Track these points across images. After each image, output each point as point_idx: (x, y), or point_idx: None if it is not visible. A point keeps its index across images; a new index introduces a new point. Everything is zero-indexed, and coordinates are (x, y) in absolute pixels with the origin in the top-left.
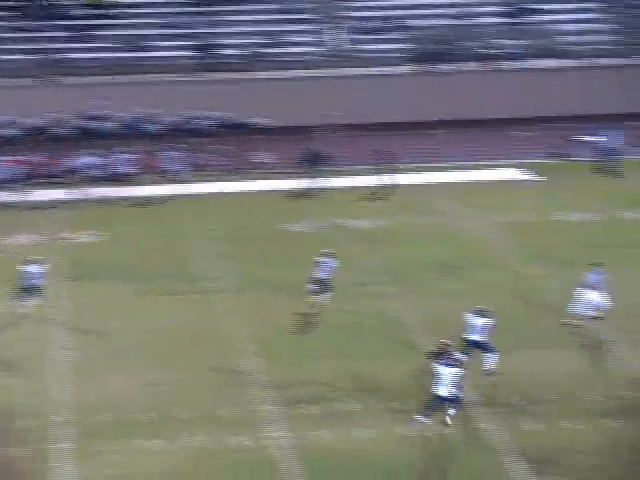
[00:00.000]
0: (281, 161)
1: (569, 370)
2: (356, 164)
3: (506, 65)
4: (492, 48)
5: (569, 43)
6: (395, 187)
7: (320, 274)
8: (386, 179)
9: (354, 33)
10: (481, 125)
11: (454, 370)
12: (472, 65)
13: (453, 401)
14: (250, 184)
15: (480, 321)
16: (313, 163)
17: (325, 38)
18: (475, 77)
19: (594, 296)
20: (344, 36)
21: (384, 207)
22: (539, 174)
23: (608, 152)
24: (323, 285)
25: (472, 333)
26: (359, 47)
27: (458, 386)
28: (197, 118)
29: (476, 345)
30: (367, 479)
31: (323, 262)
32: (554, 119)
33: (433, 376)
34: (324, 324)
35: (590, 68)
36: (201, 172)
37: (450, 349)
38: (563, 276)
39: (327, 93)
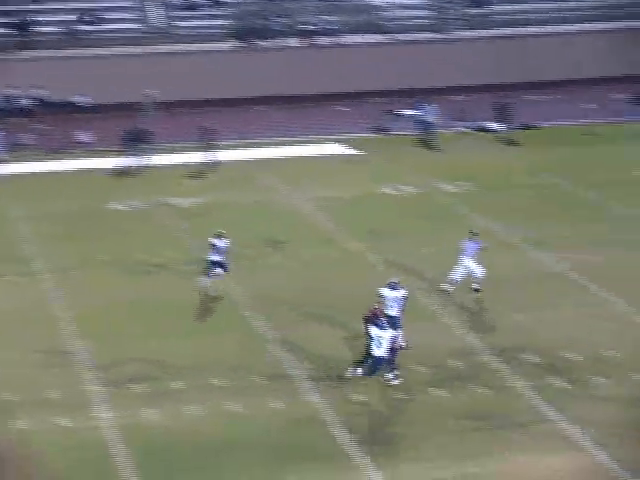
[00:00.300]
0: (103, 139)
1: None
2: (179, 141)
3: (325, 40)
4: (311, 24)
5: (386, 18)
6: (218, 164)
7: (213, 256)
8: (209, 156)
9: (174, 9)
10: (303, 101)
11: (389, 333)
12: (292, 41)
13: (388, 362)
14: (72, 163)
15: (398, 293)
16: (135, 141)
17: (145, 14)
18: (295, 53)
19: (471, 264)
20: (164, 12)
21: (208, 184)
22: (361, 149)
23: (426, 126)
24: (218, 266)
25: (390, 307)
26: (179, 24)
27: (392, 348)
28: (16, 97)
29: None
30: (197, 458)
31: (215, 243)
32: (374, 94)
33: (370, 339)
34: (152, 302)
35: (407, 43)
36: (22, 152)
37: (379, 313)
38: (385, 249)
39: (148, 70)
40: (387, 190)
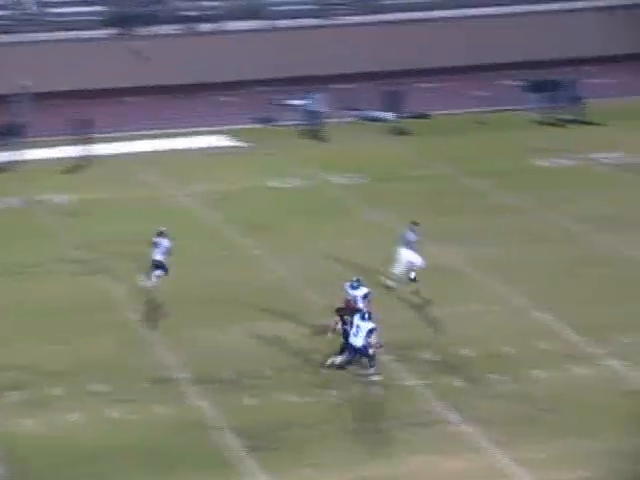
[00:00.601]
0: None
1: (285, 342)
2: (53, 135)
3: (206, 27)
4: (191, 10)
5: (269, 4)
6: (96, 158)
7: (156, 255)
8: (86, 150)
9: None
10: (185, 90)
11: (370, 324)
12: (171, 28)
13: (364, 353)
14: None
15: (360, 292)
16: (7, 135)
17: (14, 1)
18: (175, 40)
19: (410, 255)
20: None
21: (85, 179)
22: (246, 140)
23: (314, 116)
24: (159, 266)
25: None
26: (52, 10)
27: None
28: None
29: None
30: (77, 467)
31: (158, 242)
32: (259, 83)
33: (350, 327)
34: (28, 304)
35: (292, 29)
36: None
37: (355, 306)
38: (272, 244)
39: (20, 59)
40: (274, 183)
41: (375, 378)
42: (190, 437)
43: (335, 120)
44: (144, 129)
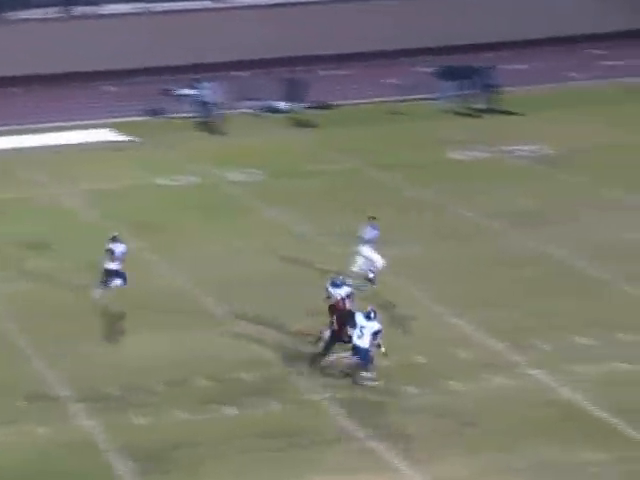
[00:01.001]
0: None
1: (178, 353)
2: None
3: (84, 10)
4: None
5: None
6: None
7: (110, 264)
8: None
9: None
10: (63, 80)
11: (376, 325)
12: (47, 11)
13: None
14: None
15: (343, 290)
16: None
17: None
18: (51, 25)
19: (371, 254)
20: None
21: None
22: (133, 134)
23: (207, 107)
24: (115, 276)
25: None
26: None
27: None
28: None
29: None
30: None
31: (112, 249)
32: (146, 71)
33: (354, 327)
34: None
35: (178, 12)
36: None
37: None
38: (164, 246)
39: None
40: (163, 181)
41: (372, 384)
42: (77, 460)
43: (231, 111)
44: (21, 123)
